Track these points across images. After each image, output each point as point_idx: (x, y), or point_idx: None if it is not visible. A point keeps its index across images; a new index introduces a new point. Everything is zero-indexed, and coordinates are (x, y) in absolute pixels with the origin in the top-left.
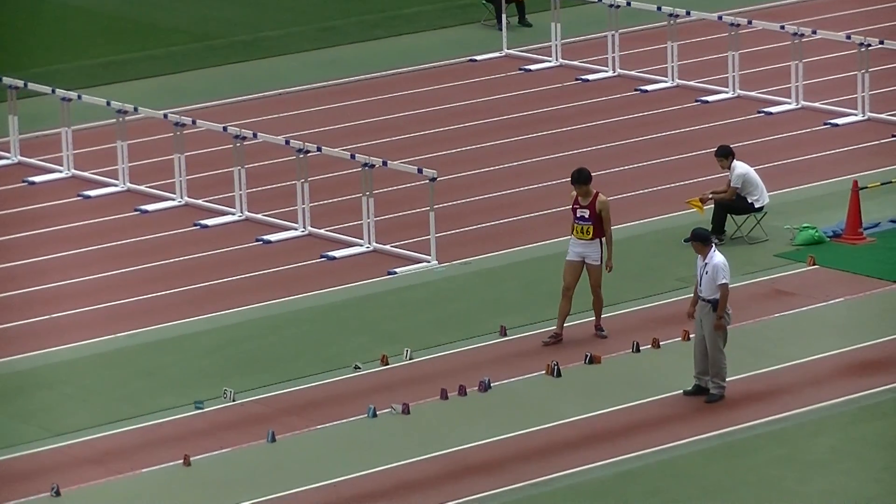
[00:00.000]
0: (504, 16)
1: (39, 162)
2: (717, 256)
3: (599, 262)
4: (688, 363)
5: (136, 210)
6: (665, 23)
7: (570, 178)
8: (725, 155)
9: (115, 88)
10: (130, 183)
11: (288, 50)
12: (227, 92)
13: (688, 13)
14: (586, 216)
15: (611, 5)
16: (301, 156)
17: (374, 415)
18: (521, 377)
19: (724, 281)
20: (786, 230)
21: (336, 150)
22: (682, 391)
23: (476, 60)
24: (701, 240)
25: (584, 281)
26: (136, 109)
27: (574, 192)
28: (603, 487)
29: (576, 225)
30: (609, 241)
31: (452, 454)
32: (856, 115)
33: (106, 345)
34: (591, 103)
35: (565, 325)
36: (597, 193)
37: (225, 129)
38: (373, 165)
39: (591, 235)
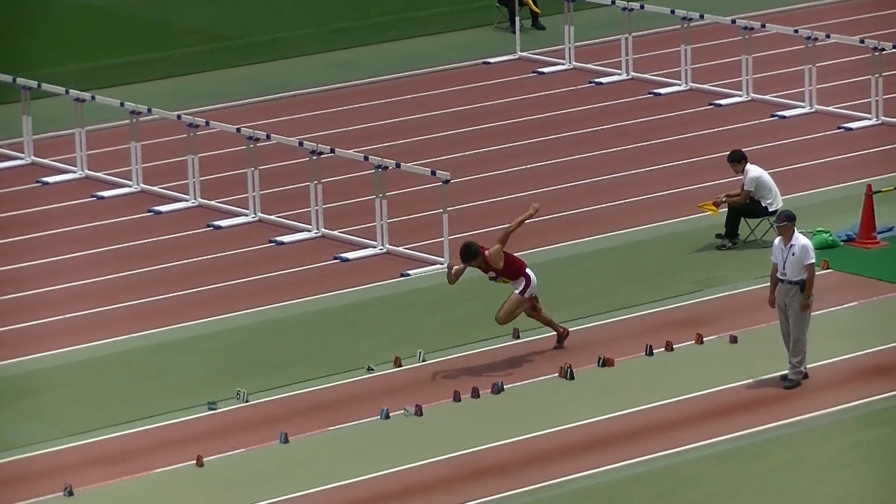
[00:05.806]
0: (517, 18)
1: (53, 162)
2: (801, 237)
3: (519, 293)
4: (701, 367)
5: (149, 211)
6: (678, 26)
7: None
8: (738, 159)
9: (129, 89)
10: (144, 184)
11: (302, 51)
12: (241, 93)
13: (701, 17)
14: (494, 276)
15: (624, 8)
16: (314, 157)
17: (387, 416)
18: (533, 380)
19: (812, 261)
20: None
21: (349, 151)
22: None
23: (489, 63)
24: (793, 219)
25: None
26: (149, 110)
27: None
28: (613, 491)
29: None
30: (513, 227)
31: (464, 456)
32: (869, 119)
33: (119, 345)
34: (604, 106)
35: (572, 328)
36: (484, 254)
37: (238, 130)
38: (386, 167)
39: (510, 281)
